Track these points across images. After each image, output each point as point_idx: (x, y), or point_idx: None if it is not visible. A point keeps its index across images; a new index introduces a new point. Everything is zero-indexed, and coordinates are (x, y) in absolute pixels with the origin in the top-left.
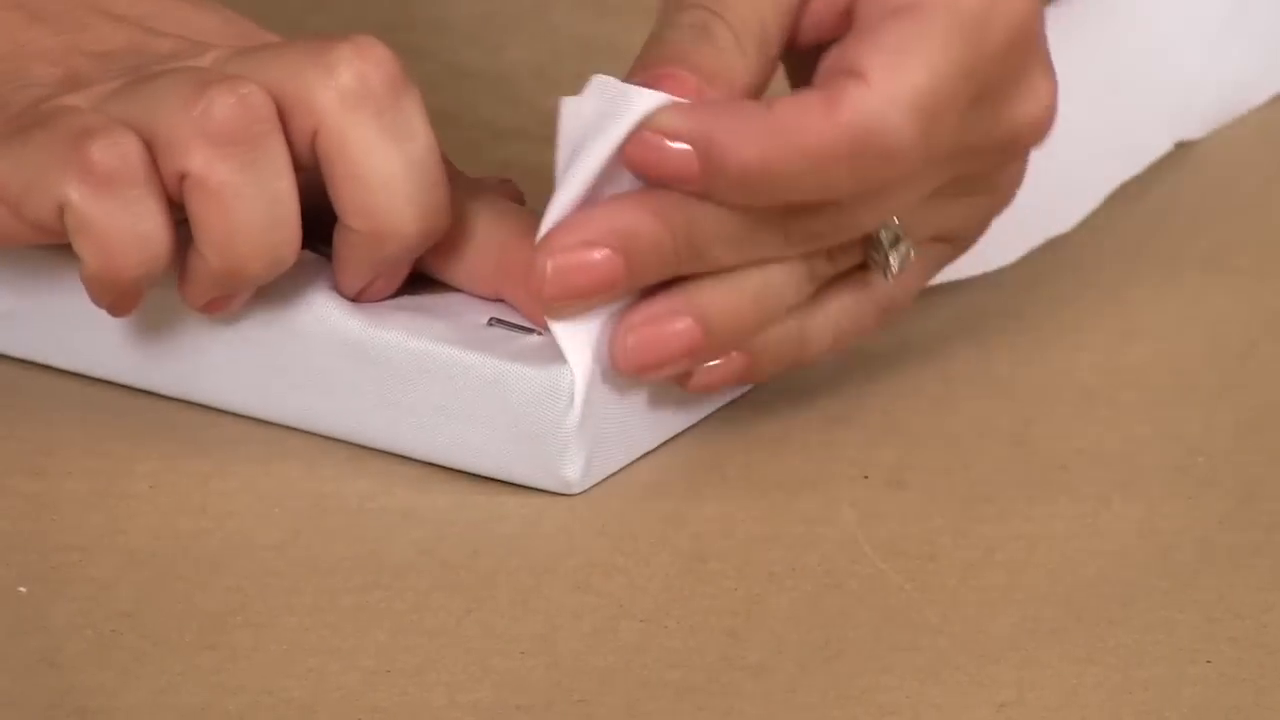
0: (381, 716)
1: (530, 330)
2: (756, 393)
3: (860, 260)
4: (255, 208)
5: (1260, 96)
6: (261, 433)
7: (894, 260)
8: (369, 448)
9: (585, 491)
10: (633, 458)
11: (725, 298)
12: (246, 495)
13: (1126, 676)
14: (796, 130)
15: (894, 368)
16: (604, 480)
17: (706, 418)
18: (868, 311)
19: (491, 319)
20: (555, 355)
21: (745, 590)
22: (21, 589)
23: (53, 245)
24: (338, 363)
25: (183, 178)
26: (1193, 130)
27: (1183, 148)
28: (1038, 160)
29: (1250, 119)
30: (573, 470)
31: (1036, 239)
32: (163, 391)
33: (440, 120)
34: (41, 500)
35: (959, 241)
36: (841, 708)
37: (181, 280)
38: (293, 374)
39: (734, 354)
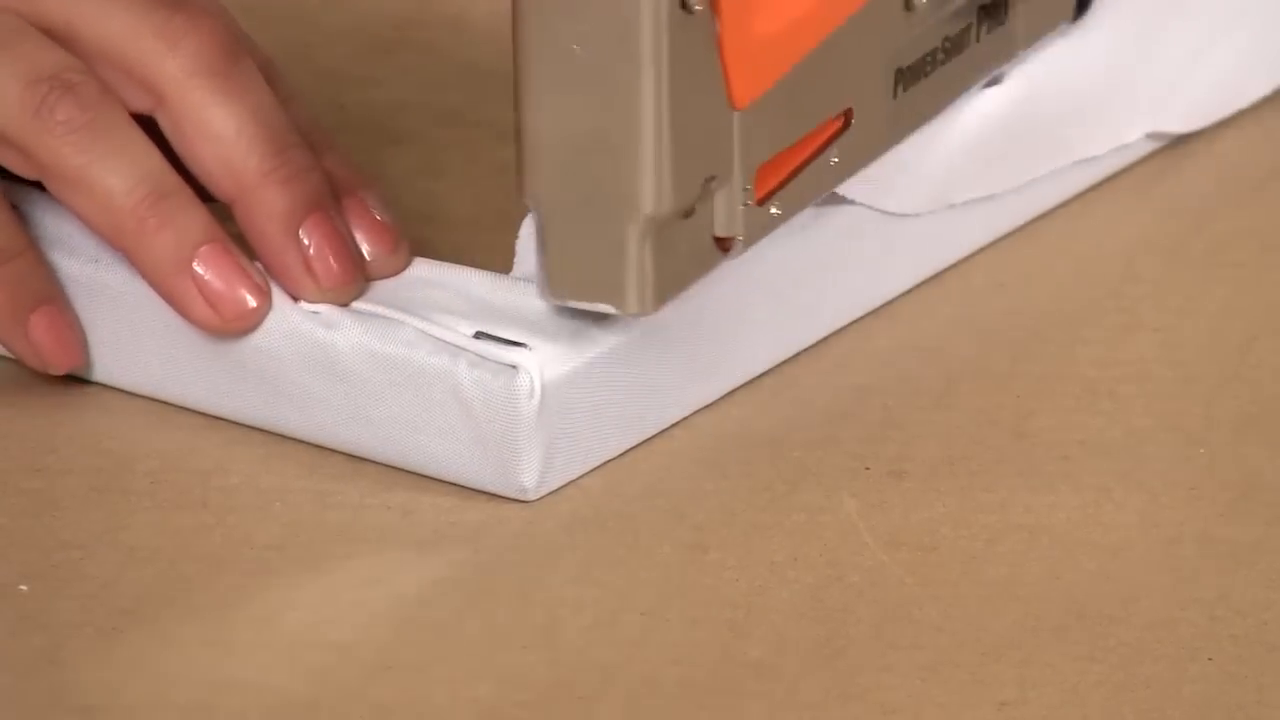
0: (383, 713)
1: (518, 344)
2: (756, 392)
3: None
4: (118, 170)
5: (1247, 97)
6: (261, 431)
7: None
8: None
9: (585, 488)
10: (590, 466)
11: None
12: (247, 492)
13: (1128, 674)
14: None
15: (894, 363)
16: (604, 476)
17: (704, 419)
18: None
19: (478, 332)
20: (511, 365)
21: (747, 582)
22: (23, 587)
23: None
24: (304, 375)
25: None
26: (1173, 123)
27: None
28: (996, 111)
29: (1250, 115)
30: (529, 477)
31: (979, 191)
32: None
33: (445, 118)
34: (42, 497)
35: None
36: (843, 706)
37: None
38: (260, 383)
39: None
